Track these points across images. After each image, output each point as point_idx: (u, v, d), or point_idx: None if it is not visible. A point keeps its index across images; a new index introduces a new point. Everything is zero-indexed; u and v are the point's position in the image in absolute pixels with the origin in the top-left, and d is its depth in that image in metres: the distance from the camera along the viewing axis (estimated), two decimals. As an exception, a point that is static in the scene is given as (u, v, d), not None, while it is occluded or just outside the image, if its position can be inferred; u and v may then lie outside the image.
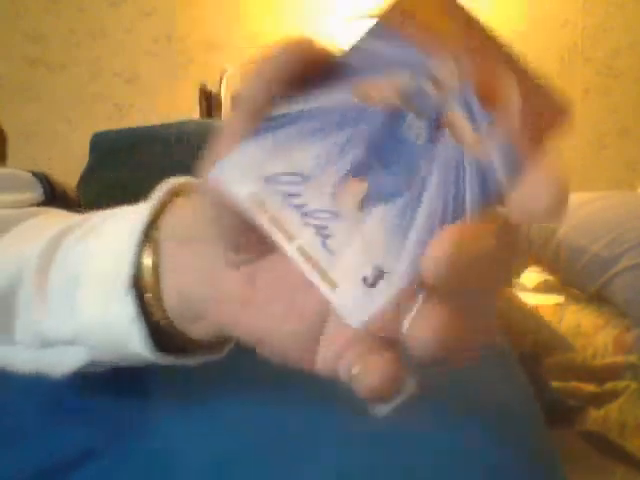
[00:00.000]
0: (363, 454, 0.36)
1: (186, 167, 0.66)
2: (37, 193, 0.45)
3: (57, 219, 0.40)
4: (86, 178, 0.68)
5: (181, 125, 0.71)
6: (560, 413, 0.98)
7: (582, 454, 0.91)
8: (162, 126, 0.71)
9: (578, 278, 1.24)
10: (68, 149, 2.05)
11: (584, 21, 2.38)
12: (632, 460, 0.88)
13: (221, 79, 1.70)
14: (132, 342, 0.33)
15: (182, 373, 0.36)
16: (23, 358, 0.38)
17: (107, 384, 0.40)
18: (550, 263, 1.33)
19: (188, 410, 0.40)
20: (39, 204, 0.45)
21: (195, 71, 2.16)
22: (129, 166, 0.66)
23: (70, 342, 0.36)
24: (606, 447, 0.92)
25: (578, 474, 0.80)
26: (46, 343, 0.37)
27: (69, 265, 0.35)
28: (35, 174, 0.45)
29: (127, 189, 0.64)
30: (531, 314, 1.08)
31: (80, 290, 0.35)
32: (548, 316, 1.26)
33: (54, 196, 0.46)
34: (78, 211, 0.49)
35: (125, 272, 0.32)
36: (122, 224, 0.35)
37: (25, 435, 0.41)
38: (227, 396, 0.39)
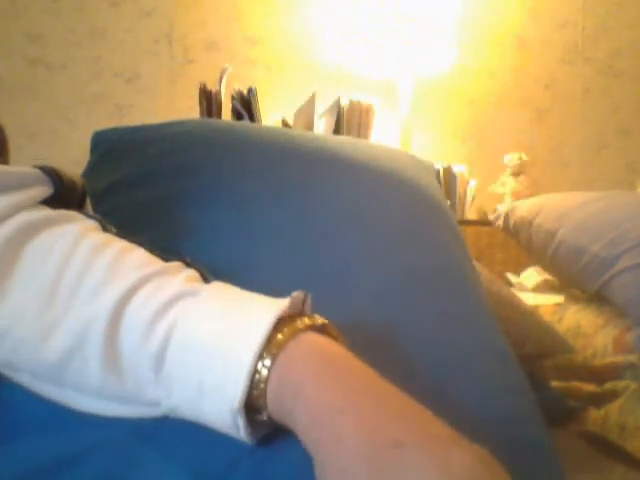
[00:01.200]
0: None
1: (187, 166, 0.66)
2: (47, 187, 0.45)
3: (100, 257, 0.40)
4: (87, 177, 0.68)
5: (182, 124, 0.71)
6: (560, 413, 0.98)
7: (582, 454, 0.91)
8: (163, 125, 0.70)
9: (578, 278, 1.24)
10: (68, 149, 2.05)
11: (584, 21, 2.38)
12: (632, 460, 0.88)
13: (221, 79, 1.70)
14: (230, 429, 0.36)
15: None
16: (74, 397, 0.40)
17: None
18: (550, 263, 1.33)
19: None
20: (49, 198, 0.44)
21: (195, 71, 2.16)
22: (131, 165, 0.66)
23: (153, 404, 0.38)
24: (606, 447, 0.92)
25: (578, 474, 0.80)
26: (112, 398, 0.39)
27: (152, 344, 0.36)
28: (43, 169, 0.45)
29: (129, 187, 0.64)
30: (532, 316, 1.08)
31: (178, 379, 0.36)
32: (548, 316, 1.26)
33: (63, 188, 0.46)
34: (83, 200, 0.49)
35: (239, 393, 0.34)
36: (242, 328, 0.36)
37: (23, 433, 0.41)
38: None
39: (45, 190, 0.44)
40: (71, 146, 2.04)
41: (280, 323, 0.36)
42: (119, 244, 0.41)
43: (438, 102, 2.29)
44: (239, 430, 0.35)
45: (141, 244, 0.43)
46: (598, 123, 2.40)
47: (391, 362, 0.50)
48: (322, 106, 1.83)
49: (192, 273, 0.41)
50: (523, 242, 1.40)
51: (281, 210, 0.61)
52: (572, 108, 2.39)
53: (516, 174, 2.12)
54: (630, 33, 2.39)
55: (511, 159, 2.12)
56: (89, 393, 0.39)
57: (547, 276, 1.45)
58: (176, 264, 0.41)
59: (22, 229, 0.40)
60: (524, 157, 2.12)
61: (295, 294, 0.38)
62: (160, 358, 0.36)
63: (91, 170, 0.69)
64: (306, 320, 0.37)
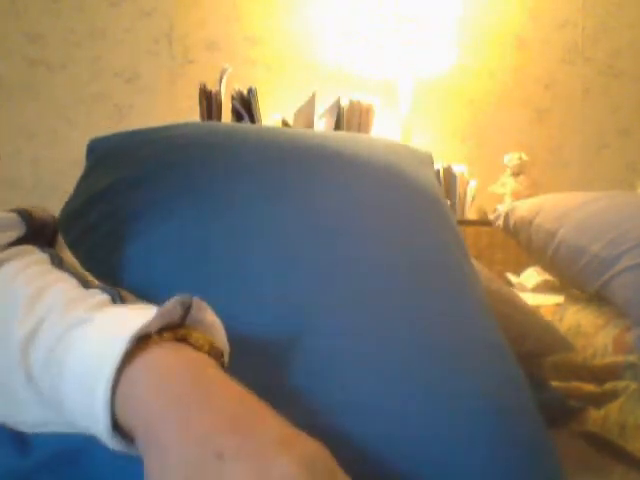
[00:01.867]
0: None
1: (185, 167, 0.65)
2: (19, 230, 0.49)
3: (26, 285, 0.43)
4: (83, 182, 0.68)
5: (180, 127, 0.71)
6: (560, 413, 0.98)
7: (582, 454, 0.91)
8: (160, 128, 0.70)
9: (578, 278, 1.24)
10: (68, 149, 2.05)
11: (584, 21, 2.38)
12: (632, 460, 0.88)
13: (221, 79, 1.70)
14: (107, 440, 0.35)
15: None
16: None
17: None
18: (550, 263, 1.33)
19: None
20: (20, 239, 0.48)
21: (195, 71, 2.16)
22: (128, 166, 0.66)
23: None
24: (606, 447, 0.92)
25: (578, 474, 0.80)
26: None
27: (47, 378, 0.38)
28: (19, 212, 0.49)
29: (127, 188, 0.64)
30: (532, 314, 1.08)
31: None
32: (548, 316, 1.26)
33: (33, 230, 0.49)
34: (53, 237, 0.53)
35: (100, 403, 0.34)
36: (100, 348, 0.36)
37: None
38: None
39: (18, 232, 0.49)
40: (71, 146, 2.04)
41: (143, 339, 0.36)
42: (49, 277, 0.44)
43: (438, 102, 2.29)
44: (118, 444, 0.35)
45: (76, 274, 0.45)
46: (598, 123, 2.40)
47: (390, 361, 0.50)
48: (322, 106, 1.83)
49: (104, 298, 0.41)
50: (523, 242, 1.40)
51: (279, 209, 0.61)
52: (572, 108, 2.39)
53: (516, 174, 2.11)
54: (630, 33, 2.39)
55: (511, 159, 2.12)
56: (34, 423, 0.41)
57: (547, 276, 1.45)
58: (92, 291, 0.42)
59: None
60: (524, 157, 2.12)
61: (169, 303, 0.38)
62: (55, 391, 0.37)
63: (88, 173, 0.69)
64: (165, 335, 0.37)
